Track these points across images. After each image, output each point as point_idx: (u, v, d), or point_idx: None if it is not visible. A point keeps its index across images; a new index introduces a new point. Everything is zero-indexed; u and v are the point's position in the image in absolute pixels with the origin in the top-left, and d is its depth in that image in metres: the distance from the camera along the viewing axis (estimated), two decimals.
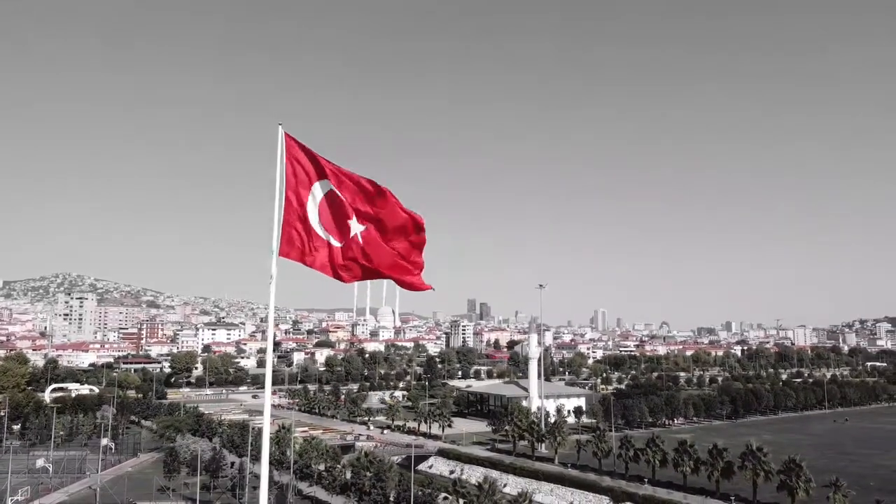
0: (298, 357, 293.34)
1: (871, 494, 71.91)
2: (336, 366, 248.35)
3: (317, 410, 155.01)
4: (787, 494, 72.48)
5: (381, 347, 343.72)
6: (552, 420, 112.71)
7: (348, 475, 77.52)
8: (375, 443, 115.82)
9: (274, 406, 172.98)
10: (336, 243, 12.02)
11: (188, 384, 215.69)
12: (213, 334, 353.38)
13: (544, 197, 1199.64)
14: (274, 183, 12.12)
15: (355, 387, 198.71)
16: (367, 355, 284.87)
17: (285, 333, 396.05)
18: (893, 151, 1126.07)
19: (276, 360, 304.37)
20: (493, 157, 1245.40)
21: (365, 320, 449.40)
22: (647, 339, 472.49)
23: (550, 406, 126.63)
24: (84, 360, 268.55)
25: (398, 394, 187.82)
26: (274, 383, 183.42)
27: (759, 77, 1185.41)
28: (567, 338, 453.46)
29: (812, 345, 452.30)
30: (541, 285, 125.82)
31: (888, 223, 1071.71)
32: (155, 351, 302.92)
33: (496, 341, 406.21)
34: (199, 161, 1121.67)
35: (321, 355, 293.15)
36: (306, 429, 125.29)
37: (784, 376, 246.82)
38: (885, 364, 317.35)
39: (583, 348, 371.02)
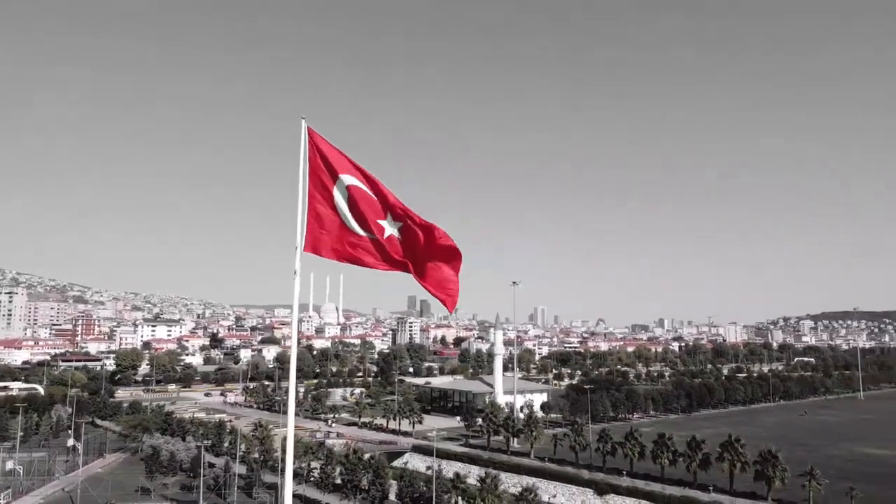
0: (245, 354, 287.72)
1: (836, 483, 75.93)
2: (287, 362, 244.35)
3: (277, 408, 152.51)
4: (763, 483, 76.19)
5: (328, 344, 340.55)
6: (521, 415, 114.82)
7: (336, 473, 76.98)
8: (346, 440, 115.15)
9: (230, 404, 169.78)
10: (372, 236, 11.86)
11: (134, 382, 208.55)
12: (154, 331, 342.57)
13: (483, 194, 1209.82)
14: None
15: (313, 383, 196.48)
16: (315, 352, 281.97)
17: (228, 330, 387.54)
18: (820, 153, 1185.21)
19: (221, 356, 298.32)
20: (432, 151, 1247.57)
21: (310, 317, 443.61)
22: (587, 335, 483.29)
23: (518, 402, 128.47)
24: (17, 357, 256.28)
25: (357, 391, 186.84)
26: (224, 381, 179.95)
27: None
28: (511, 335, 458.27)
29: (743, 341, 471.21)
30: (514, 283, 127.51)
31: (810, 225, 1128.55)
32: (93, 348, 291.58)
33: (443, 338, 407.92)
34: (120, 153, 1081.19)
35: (269, 352, 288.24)
36: (249, 427, 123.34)
37: (725, 371, 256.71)
38: (812, 359, 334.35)
39: (529, 345, 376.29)
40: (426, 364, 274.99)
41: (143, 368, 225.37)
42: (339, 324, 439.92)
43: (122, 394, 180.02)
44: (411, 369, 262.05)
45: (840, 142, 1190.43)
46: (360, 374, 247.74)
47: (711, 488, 79.29)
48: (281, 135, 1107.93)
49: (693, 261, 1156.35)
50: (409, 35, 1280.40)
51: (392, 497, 67.57)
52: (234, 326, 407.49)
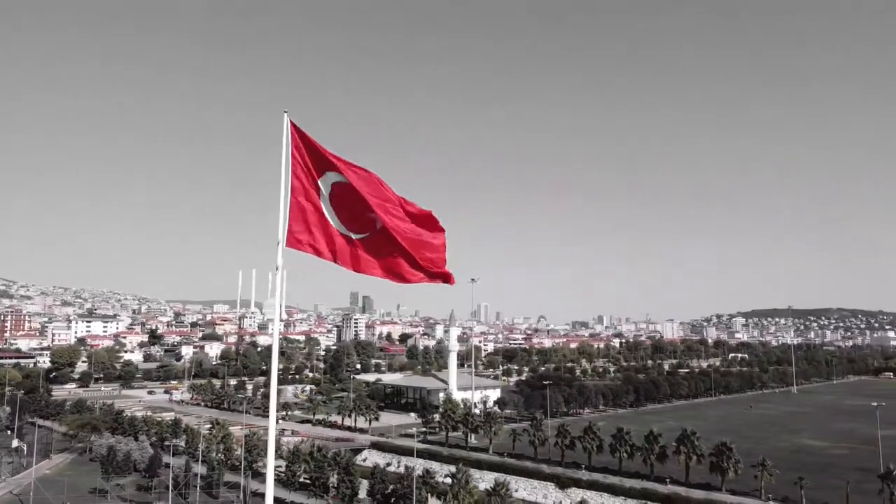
0: (187, 351, 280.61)
1: (785, 474, 79.38)
2: (232, 359, 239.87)
3: (226, 406, 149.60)
4: (717, 475, 79.14)
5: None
6: (477, 411, 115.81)
7: (301, 471, 76.07)
8: (301, 437, 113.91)
9: (176, 402, 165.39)
10: (355, 235, 11.80)
11: (72, 380, 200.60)
12: (89, 327, 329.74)
13: (430, 190, 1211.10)
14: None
15: (261, 380, 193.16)
16: (259, 349, 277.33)
17: (167, 326, 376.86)
18: (750, 152, 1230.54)
19: (162, 353, 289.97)
20: (380, 146, 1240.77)
21: (252, 313, 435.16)
22: (531, 332, 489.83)
23: (473, 397, 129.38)
24: None
25: (307, 388, 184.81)
26: (167, 379, 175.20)
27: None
28: (457, 331, 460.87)
29: (680, 337, 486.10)
30: (473, 279, 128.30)
31: (741, 225, 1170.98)
32: (23, 345, 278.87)
33: (388, 334, 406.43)
34: (37, 143, 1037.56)
35: (212, 349, 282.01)
36: (208, 425, 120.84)
37: (666, 367, 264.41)
38: (745, 355, 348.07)
39: (475, 341, 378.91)
40: (374, 361, 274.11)
41: (80, 366, 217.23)
42: (282, 320, 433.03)
43: (60, 392, 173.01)
44: (359, 366, 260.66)
45: (770, 141, 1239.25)
46: (308, 370, 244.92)
47: (668, 480, 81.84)
48: (215, 126, 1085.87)
49: (630, 259, 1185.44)
50: (393, 29, 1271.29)
51: (363, 495, 67.27)
52: (174, 322, 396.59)
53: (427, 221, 11.99)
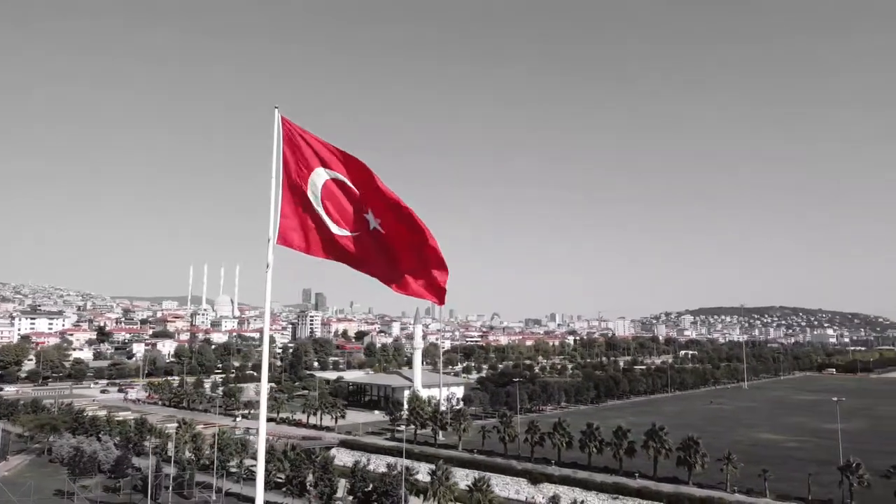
0: (139, 349, 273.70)
1: (747, 467, 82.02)
2: (186, 357, 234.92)
3: (186, 405, 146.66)
4: (685, 469, 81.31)
5: (225, 338, 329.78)
6: (444, 408, 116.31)
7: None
8: (268, 436, 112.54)
9: (132, 401, 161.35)
10: (347, 233, 11.56)
11: (19, 379, 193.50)
12: (33, 324, 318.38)
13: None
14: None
15: (219, 379, 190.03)
16: (213, 346, 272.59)
17: (116, 323, 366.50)
18: (696, 151, 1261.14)
19: (112, 351, 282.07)
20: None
21: (204, 310, 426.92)
22: (486, 329, 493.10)
23: (441, 395, 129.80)
24: None
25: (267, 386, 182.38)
26: (119, 377, 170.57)
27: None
28: (412, 329, 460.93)
29: (632, 335, 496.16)
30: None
31: (689, 225, 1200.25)
32: None
33: (345, 332, 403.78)
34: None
35: (164, 346, 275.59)
36: (173, 425, 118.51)
37: (621, 364, 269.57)
38: (695, 352, 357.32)
39: (432, 339, 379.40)
40: (332, 358, 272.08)
41: (27, 364, 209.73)
42: (235, 317, 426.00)
43: (8, 391, 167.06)
44: (316, 363, 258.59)
45: (717, 142, 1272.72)
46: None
47: (637, 474, 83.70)
48: (165, 116, 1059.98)
49: (580, 258, 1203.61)
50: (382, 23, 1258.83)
51: (342, 493, 66.88)
52: (123, 320, 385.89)
53: (419, 230, 11.32)
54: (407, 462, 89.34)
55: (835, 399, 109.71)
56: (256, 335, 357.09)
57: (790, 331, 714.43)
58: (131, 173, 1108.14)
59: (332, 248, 11.57)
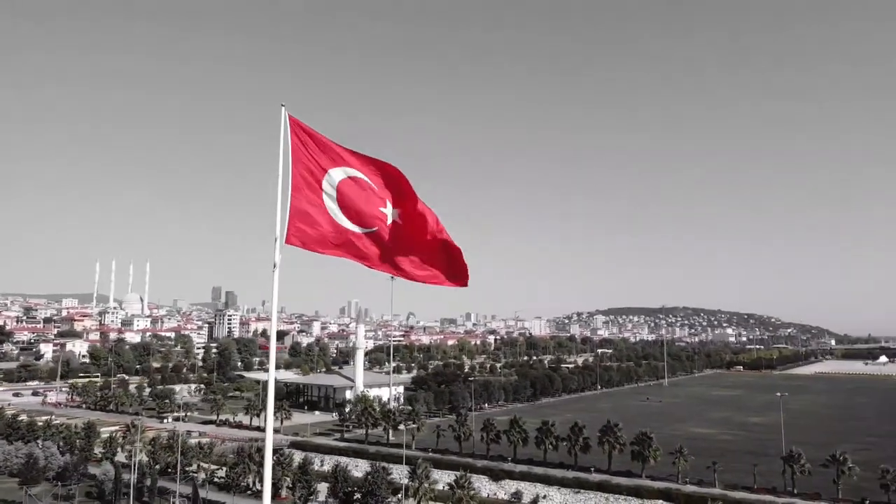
0: (46, 349, 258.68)
1: (694, 459, 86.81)
2: (103, 358, 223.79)
3: (114, 408, 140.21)
4: (638, 462, 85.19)
5: (138, 338, 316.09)
6: (389, 408, 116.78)
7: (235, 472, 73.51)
8: (209, 438, 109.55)
9: (52, 404, 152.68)
10: (365, 230, 11.46)
11: None
12: None
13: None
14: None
15: (145, 380, 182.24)
16: (127, 346, 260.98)
17: (17, 322, 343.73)
18: (595, 152, 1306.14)
19: (17, 352, 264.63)
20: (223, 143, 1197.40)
21: (113, 308, 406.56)
22: (407, 329, 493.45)
23: (391, 393, 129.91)
24: None
25: (193, 387, 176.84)
26: (30, 378, 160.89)
27: None
28: (334, 328, 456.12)
29: (549, 334, 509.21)
30: (392, 277, 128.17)
31: (597, 226, 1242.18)
32: None
33: (263, 331, 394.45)
34: None
35: (75, 347, 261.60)
36: (115, 428, 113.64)
37: (546, 363, 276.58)
38: (610, 350, 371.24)
39: (354, 338, 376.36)
40: (255, 359, 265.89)
41: None
42: (147, 316, 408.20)
43: None
44: (240, 364, 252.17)
45: (629, 150, 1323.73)
46: (186, 370, 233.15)
47: (593, 469, 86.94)
48: (57, 104, 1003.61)
49: (494, 258, 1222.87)
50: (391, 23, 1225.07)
51: (322, 497, 66.21)
52: (24, 318, 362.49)
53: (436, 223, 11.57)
54: (361, 462, 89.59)
55: (779, 395, 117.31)
56: (171, 334, 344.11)
57: (693, 330, 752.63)
58: (31, 163, 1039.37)
59: (348, 247, 11.43)
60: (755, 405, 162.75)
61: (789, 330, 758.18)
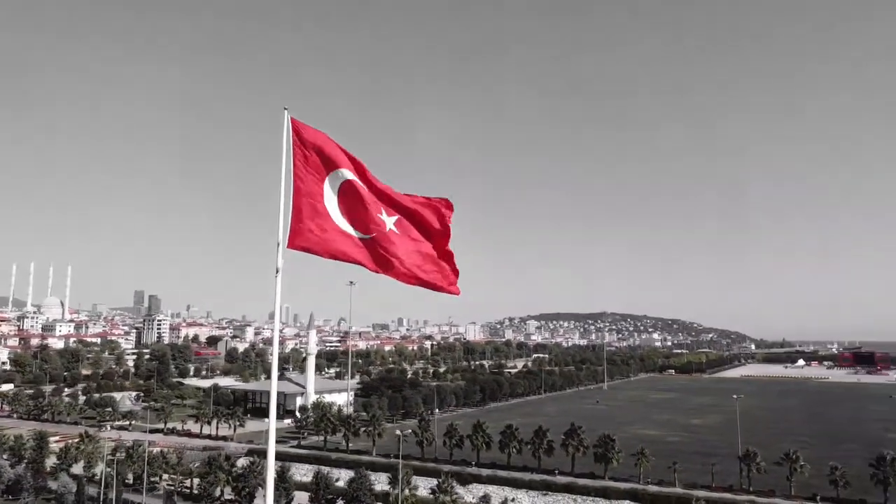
0: None
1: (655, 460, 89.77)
2: (28, 365, 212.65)
3: (50, 417, 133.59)
4: (601, 464, 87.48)
5: (61, 344, 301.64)
6: (347, 413, 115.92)
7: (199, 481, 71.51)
8: (160, 447, 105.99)
9: None
10: (366, 235, 11.59)
11: None
12: None
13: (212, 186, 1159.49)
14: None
15: (77, 388, 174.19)
16: (53, 353, 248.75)
17: None
18: (546, 168, 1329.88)
19: None
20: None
21: (33, 313, 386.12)
22: (342, 334, 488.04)
23: (349, 398, 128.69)
24: None
25: (133, 394, 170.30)
26: None
27: None
28: (268, 333, 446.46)
29: (484, 339, 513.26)
30: (351, 282, 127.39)
31: (530, 233, 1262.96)
32: None
33: (195, 336, 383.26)
34: None
35: None
36: (57, 438, 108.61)
37: (487, 367, 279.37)
38: (546, 355, 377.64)
39: (291, 344, 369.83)
40: (192, 365, 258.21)
41: None
42: (70, 321, 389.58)
43: None
44: (174, 370, 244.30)
45: (561, 155, 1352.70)
46: (121, 376, 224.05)
47: (557, 471, 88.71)
48: None
49: None
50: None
51: None
52: None
53: (437, 214, 12.00)
54: (325, 469, 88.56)
55: (735, 397, 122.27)
56: (97, 340, 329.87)
57: (621, 335, 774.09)
58: None
59: (350, 251, 11.53)
60: (693, 407, 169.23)
61: (710, 335, 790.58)
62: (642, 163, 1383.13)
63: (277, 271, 11.01)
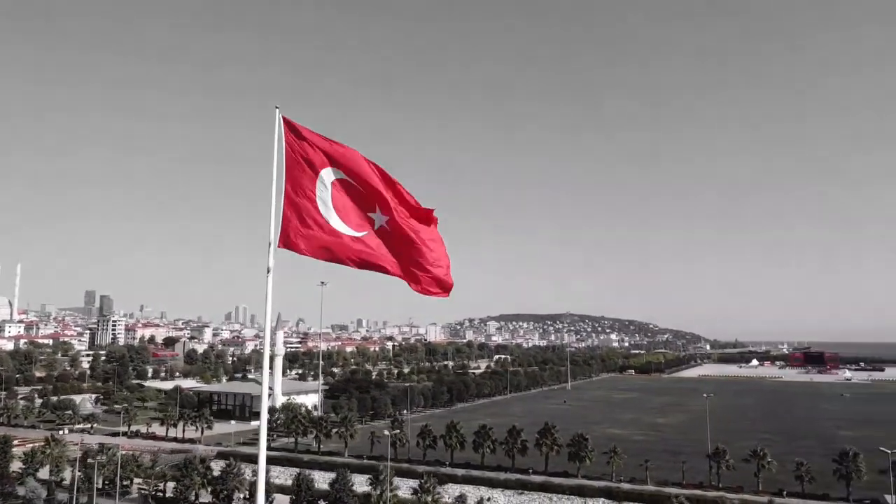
0: None
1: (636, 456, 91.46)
2: None
3: (6, 421, 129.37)
4: (575, 463, 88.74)
5: (11, 345, 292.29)
6: (318, 415, 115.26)
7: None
8: (126, 450, 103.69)
9: None
10: (357, 233, 11.60)
11: None
12: None
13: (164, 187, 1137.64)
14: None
15: (25, 390, 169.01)
16: (1, 354, 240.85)
17: None
18: (511, 170, 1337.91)
19: None
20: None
21: None
22: (302, 335, 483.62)
23: (320, 400, 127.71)
24: None
25: (92, 397, 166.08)
26: None
27: None
28: (226, 334, 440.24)
29: (445, 340, 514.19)
30: (322, 283, 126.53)
31: (488, 233, 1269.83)
32: None
33: (152, 338, 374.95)
34: None
35: None
36: (17, 442, 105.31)
37: (450, 367, 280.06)
38: (507, 356, 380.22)
39: (250, 345, 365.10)
40: (150, 367, 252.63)
41: None
42: (20, 321, 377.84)
43: None
44: (133, 371, 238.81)
45: (527, 155, 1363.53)
46: (76, 378, 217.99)
47: (531, 471, 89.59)
48: None
49: None
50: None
51: None
52: None
53: (426, 218, 11.98)
54: (302, 471, 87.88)
55: (705, 396, 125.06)
56: (49, 341, 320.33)
57: (580, 336, 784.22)
58: None
59: (340, 250, 11.49)
60: (655, 406, 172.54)
61: (666, 336, 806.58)
62: (598, 163, 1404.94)
63: (269, 271, 11.00)
